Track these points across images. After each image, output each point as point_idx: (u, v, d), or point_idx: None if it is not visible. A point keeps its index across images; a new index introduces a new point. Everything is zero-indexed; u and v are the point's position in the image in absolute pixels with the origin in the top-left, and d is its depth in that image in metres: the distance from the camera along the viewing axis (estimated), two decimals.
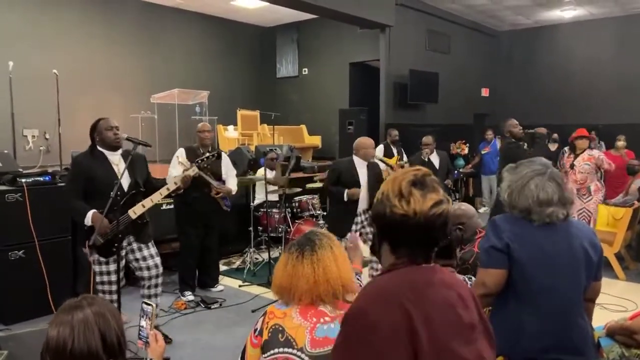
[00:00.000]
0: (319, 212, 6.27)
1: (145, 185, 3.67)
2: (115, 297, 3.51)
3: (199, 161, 3.94)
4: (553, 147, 8.38)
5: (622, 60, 10.33)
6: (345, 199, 4.59)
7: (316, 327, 1.67)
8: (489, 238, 1.96)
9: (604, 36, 10.53)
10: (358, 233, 4.76)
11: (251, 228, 5.86)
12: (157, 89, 9.03)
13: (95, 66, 9.01)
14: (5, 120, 6.62)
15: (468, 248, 2.76)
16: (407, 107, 9.50)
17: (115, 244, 3.45)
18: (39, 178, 4.34)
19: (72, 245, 4.48)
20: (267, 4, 8.34)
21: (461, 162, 9.76)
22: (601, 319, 2.16)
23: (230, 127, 9.82)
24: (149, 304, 1.82)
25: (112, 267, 3.53)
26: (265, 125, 10.03)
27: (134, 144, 3.50)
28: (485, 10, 10.31)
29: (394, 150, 7.73)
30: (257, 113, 9.97)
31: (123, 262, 3.63)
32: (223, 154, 5.10)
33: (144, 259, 3.70)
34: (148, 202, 3.57)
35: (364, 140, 4.79)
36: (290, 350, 1.65)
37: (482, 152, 9.36)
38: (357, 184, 4.62)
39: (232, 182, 5.06)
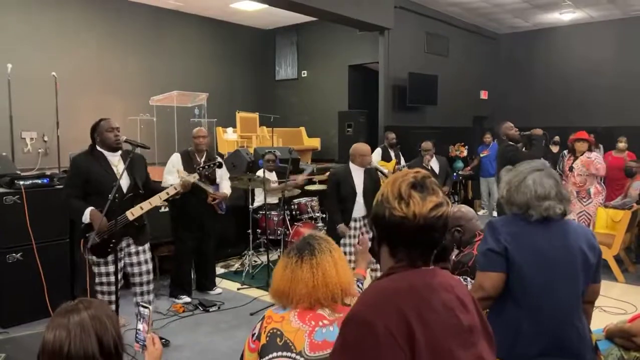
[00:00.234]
0: (318, 215, 6.26)
1: (144, 187, 3.67)
2: (114, 297, 3.51)
3: (201, 169, 3.95)
4: (555, 149, 8.39)
5: (622, 63, 10.34)
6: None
7: (315, 330, 1.66)
8: (487, 241, 1.96)
9: (603, 38, 10.55)
10: (356, 240, 4.74)
11: (250, 231, 5.85)
12: (156, 92, 9.02)
13: (94, 69, 9.01)
14: (4, 122, 6.62)
15: (467, 251, 2.74)
16: (406, 110, 9.51)
17: (111, 245, 3.45)
18: (37, 180, 4.33)
19: (70, 247, 4.47)
20: (266, 6, 8.34)
21: (460, 164, 9.78)
22: (600, 321, 2.15)
23: (230, 130, 9.81)
24: (146, 307, 1.81)
25: (112, 268, 3.52)
26: (265, 127, 10.03)
27: (132, 146, 3.50)
28: (484, 13, 10.32)
29: (392, 154, 7.71)
30: (256, 115, 9.97)
31: (122, 264, 3.62)
32: (220, 160, 5.11)
33: (139, 264, 3.69)
34: (147, 205, 3.56)
35: (361, 147, 4.69)
36: (288, 354, 1.64)
37: (481, 155, 9.36)
38: (354, 193, 4.59)
39: (226, 186, 5.07)
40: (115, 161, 3.57)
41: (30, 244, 4.17)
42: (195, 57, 10.66)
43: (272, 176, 6.21)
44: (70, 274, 4.49)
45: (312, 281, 1.69)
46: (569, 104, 10.88)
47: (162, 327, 4.21)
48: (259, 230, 5.93)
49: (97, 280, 3.54)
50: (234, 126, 9.83)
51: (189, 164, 4.75)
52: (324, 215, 6.27)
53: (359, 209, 4.62)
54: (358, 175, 4.63)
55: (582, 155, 5.86)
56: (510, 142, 5.58)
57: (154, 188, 3.76)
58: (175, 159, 4.85)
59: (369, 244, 2.28)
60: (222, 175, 5.08)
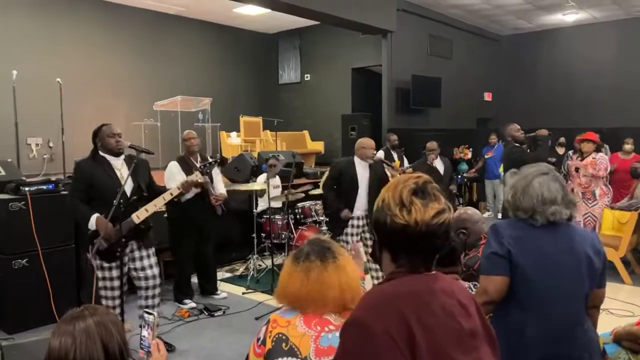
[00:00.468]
0: (322, 218, 6.25)
1: (148, 190, 3.68)
2: (117, 302, 3.50)
3: (203, 167, 3.96)
4: (560, 150, 8.35)
5: (625, 63, 10.30)
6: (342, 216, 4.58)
7: (320, 335, 1.65)
8: (490, 244, 1.95)
9: (607, 39, 10.52)
10: (358, 237, 4.74)
11: (254, 235, 5.84)
12: (160, 97, 9.05)
13: (98, 74, 9.05)
14: (9, 128, 6.64)
15: (472, 254, 2.73)
16: (410, 112, 9.50)
17: (119, 249, 3.45)
18: (42, 186, 4.35)
19: (75, 253, 4.48)
20: (269, 11, 8.36)
21: (464, 166, 9.76)
22: (607, 324, 2.14)
23: (233, 134, 9.83)
24: (150, 313, 1.81)
25: (115, 272, 3.52)
26: (268, 131, 10.04)
27: (137, 151, 3.51)
28: (487, 15, 10.31)
29: (395, 156, 7.69)
30: (259, 119, 9.99)
31: (126, 269, 3.62)
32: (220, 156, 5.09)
33: (143, 268, 3.68)
34: (151, 207, 3.57)
35: (363, 140, 4.78)
36: (294, 359, 1.63)
37: (486, 157, 9.34)
38: (356, 185, 4.59)
39: (220, 187, 5.06)
40: (119, 165, 3.58)
41: (36, 250, 4.18)
42: (199, 62, 10.69)
43: (276, 181, 6.21)
44: (76, 279, 4.50)
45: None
46: (573, 104, 10.84)
47: (168, 332, 4.21)
48: (263, 234, 5.93)
49: (100, 284, 3.54)
50: (238, 130, 9.85)
51: (186, 168, 4.74)
52: (327, 219, 6.26)
53: (360, 202, 4.60)
54: (361, 169, 4.64)
55: (588, 156, 5.84)
56: (516, 144, 5.57)
57: (158, 191, 3.76)
58: (175, 168, 4.77)
59: (360, 251, 2.29)
60: (215, 176, 5.05)
